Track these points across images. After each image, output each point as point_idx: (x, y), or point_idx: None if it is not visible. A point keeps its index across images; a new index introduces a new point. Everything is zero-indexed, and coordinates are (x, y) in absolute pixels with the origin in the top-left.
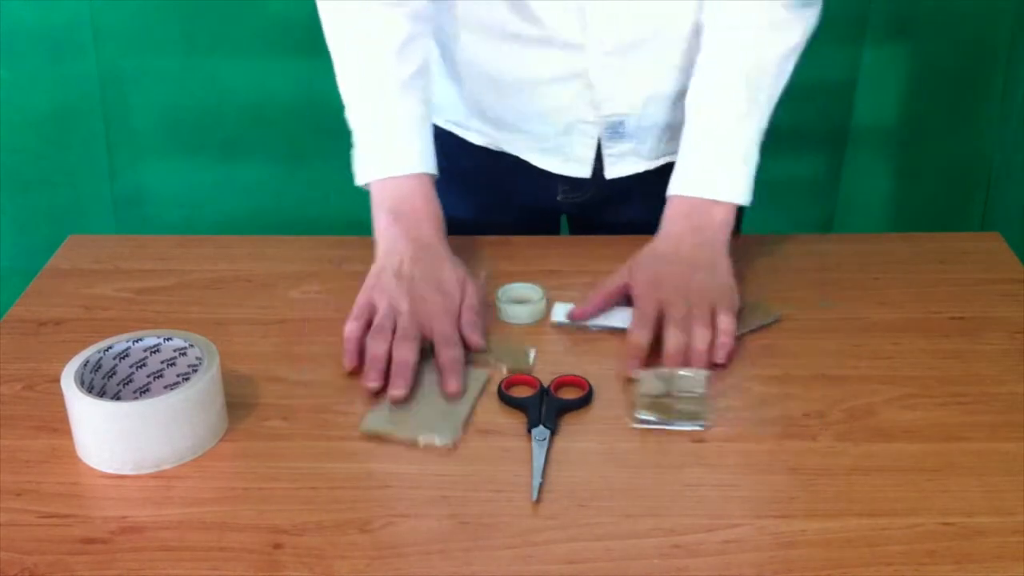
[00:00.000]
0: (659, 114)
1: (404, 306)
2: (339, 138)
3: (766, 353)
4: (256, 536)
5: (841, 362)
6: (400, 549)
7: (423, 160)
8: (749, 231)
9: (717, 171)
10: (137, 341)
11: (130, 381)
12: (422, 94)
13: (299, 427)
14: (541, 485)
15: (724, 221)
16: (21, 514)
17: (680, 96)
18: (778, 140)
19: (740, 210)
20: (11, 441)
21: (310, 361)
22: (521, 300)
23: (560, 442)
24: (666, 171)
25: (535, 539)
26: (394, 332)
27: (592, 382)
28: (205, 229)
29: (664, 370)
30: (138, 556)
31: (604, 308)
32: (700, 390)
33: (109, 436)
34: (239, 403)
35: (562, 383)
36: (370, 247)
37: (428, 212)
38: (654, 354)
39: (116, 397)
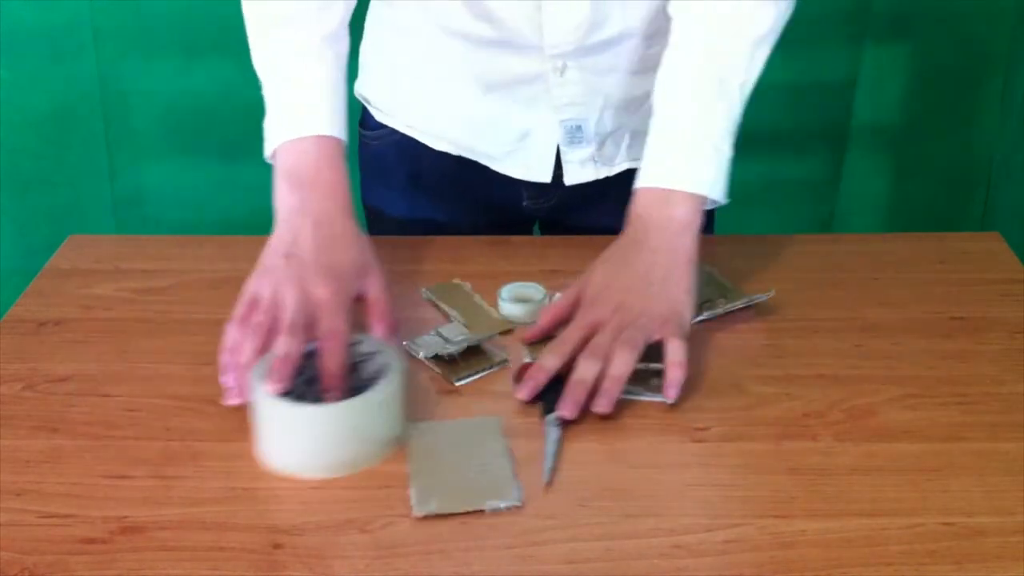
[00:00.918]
0: (618, 119)
1: (289, 297)
2: None
3: (766, 353)
4: (256, 536)
5: (841, 362)
6: (400, 549)
7: (331, 123)
8: (749, 231)
9: (682, 160)
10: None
11: (315, 381)
12: (334, 59)
13: None
14: (553, 468)
15: (689, 218)
16: (21, 514)
17: (640, 100)
18: (778, 140)
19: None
20: (11, 441)
21: None
22: (523, 299)
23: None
24: (631, 177)
25: (535, 539)
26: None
27: None
28: (205, 229)
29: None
30: (138, 556)
31: (552, 328)
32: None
33: (291, 439)
34: (239, 403)
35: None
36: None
37: (332, 181)
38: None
39: (301, 396)
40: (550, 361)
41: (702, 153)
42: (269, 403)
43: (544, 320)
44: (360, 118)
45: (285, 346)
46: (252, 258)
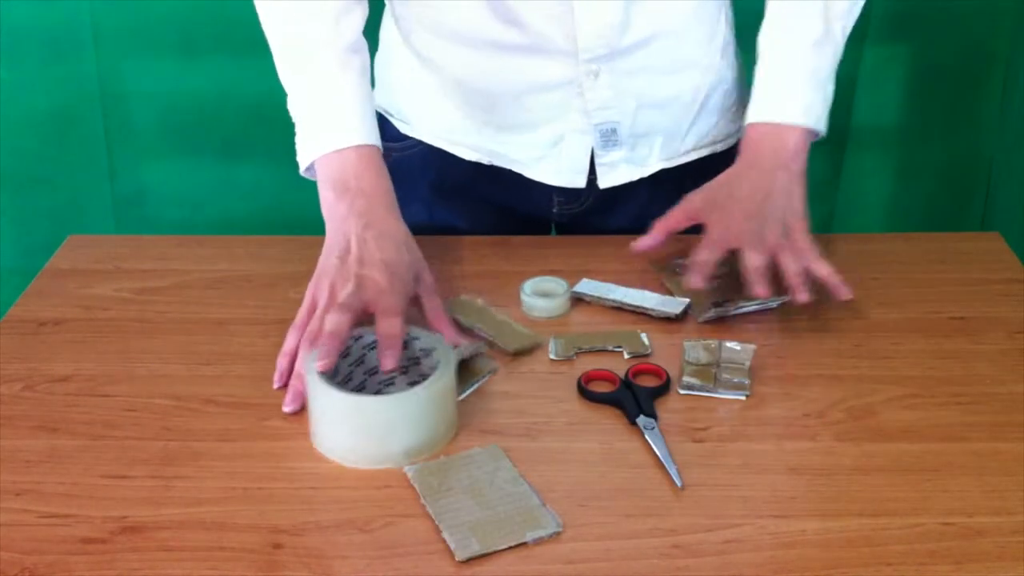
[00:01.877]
0: (650, 120)
1: (345, 287)
2: None
3: (766, 353)
4: (256, 536)
5: (841, 362)
6: (400, 549)
7: (367, 132)
8: None
9: (791, 95)
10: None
11: (376, 371)
12: (360, 71)
13: (299, 427)
14: (678, 470)
15: (799, 147)
16: (21, 514)
17: (671, 100)
18: None
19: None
20: (11, 441)
21: None
22: (545, 293)
23: (560, 442)
24: (661, 178)
25: None
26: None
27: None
28: (205, 229)
29: (711, 341)
30: (138, 556)
31: (666, 237)
32: (746, 362)
33: (344, 428)
34: (239, 403)
35: (638, 371)
36: None
37: (377, 185)
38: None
39: (361, 386)
40: (708, 255)
41: (812, 90)
42: (323, 390)
43: (659, 229)
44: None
45: (333, 322)
46: (252, 258)
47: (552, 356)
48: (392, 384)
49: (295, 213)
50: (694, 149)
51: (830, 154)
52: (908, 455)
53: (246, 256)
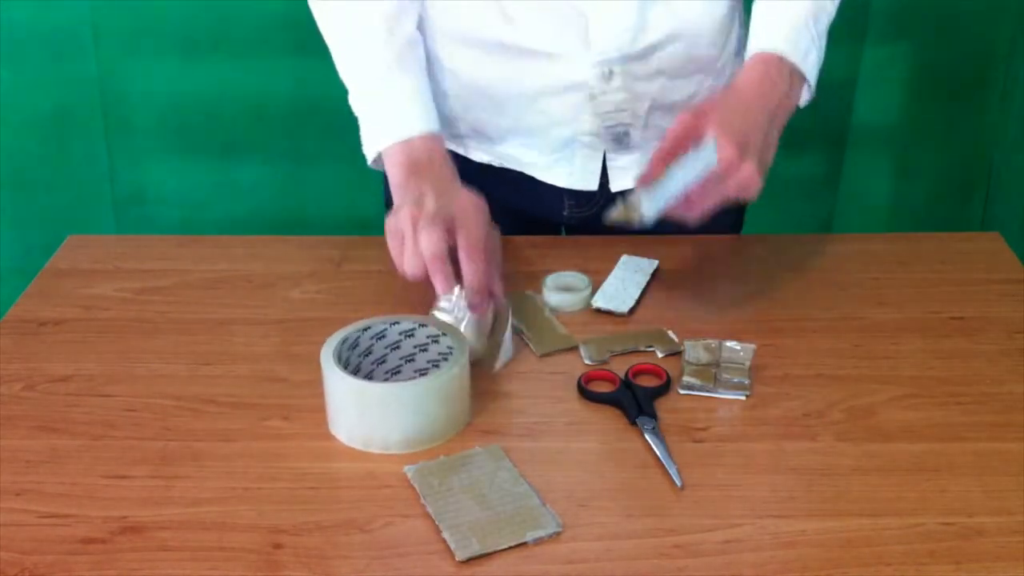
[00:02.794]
0: (665, 123)
1: (429, 203)
2: (339, 138)
3: (766, 353)
4: (256, 536)
5: (841, 362)
6: (400, 549)
7: (430, 121)
8: (749, 231)
9: (791, 42)
10: (394, 324)
11: (384, 361)
12: (418, 65)
13: (299, 427)
14: (677, 469)
15: (798, 96)
16: (21, 514)
17: (687, 103)
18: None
19: (740, 212)
20: (11, 441)
21: (310, 361)
22: (567, 288)
23: (560, 442)
24: None
25: None
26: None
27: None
28: (205, 229)
29: (711, 341)
30: (138, 556)
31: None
32: (746, 362)
33: (354, 413)
34: (239, 403)
35: (638, 371)
36: (371, 247)
37: (444, 165)
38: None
39: (369, 375)
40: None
41: (807, 44)
42: (338, 378)
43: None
44: None
45: (429, 243)
46: (252, 258)
47: (586, 361)
48: (399, 372)
49: (295, 213)
50: None
51: (830, 154)
52: (908, 455)
53: (246, 256)
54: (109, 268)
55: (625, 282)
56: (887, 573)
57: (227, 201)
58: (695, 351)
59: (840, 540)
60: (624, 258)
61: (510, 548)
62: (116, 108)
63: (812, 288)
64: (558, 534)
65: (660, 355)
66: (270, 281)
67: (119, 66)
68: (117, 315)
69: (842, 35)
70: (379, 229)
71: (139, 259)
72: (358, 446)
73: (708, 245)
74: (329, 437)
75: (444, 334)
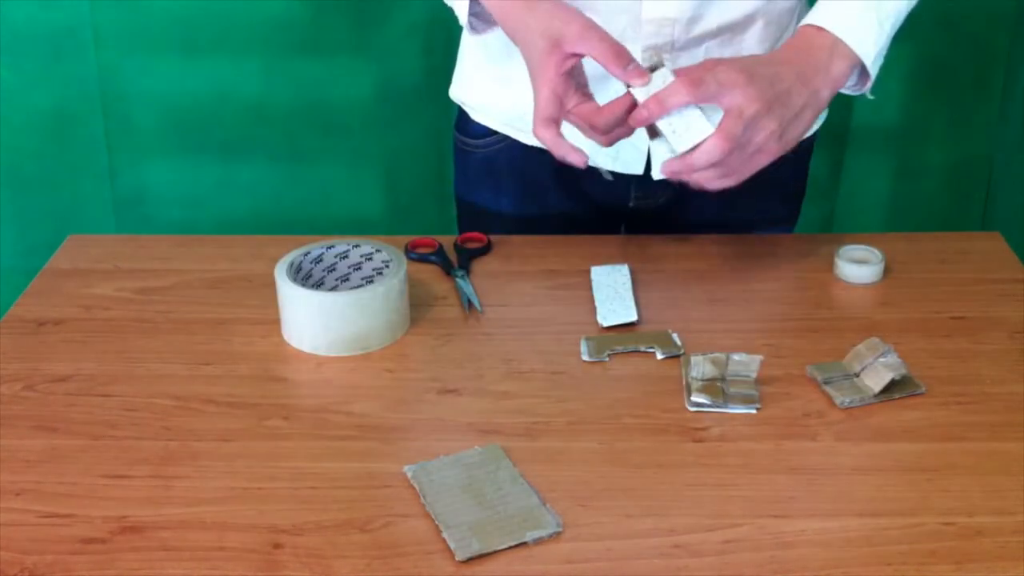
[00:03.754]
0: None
1: (539, 94)
2: (339, 138)
3: (766, 353)
4: (256, 536)
5: None
6: (400, 549)
7: None
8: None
9: (838, 17)
10: (330, 248)
11: (321, 283)
12: None
13: (299, 427)
14: (480, 303)
15: (841, 71)
16: (21, 514)
17: None
18: None
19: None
20: (11, 441)
21: (310, 361)
22: (861, 261)
23: (560, 442)
24: None
25: None
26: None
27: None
28: (205, 229)
29: (718, 354)
30: (138, 556)
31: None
32: (752, 374)
33: (310, 321)
34: (239, 403)
35: (467, 239)
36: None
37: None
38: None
39: (319, 285)
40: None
41: (871, 23)
42: (289, 288)
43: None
44: (457, 122)
45: (554, 146)
46: (252, 258)
47: (585, 358)
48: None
49: (295, 213)
50: None
51: (830, 154)
52: (908, 455)
53: (246, 256)
54: (109, 268)
55: (617, 291)
56: (887, 573)
57: (227, 201)
58: (701, 366)
59: (840, 540)
60: (595, 269)
61: (510, 548)
62: (116, 108)
63: (812, 288)
64: (558, 534)
65: (660, 357)
66: (270, 281)
67: (119, 66)
68: (117, 315)
69: None
70: (379, 229)
71: (139, 259)
72: (306, 349)
73: (708, 244)
74: (329, 437)
75: (378, 250)
